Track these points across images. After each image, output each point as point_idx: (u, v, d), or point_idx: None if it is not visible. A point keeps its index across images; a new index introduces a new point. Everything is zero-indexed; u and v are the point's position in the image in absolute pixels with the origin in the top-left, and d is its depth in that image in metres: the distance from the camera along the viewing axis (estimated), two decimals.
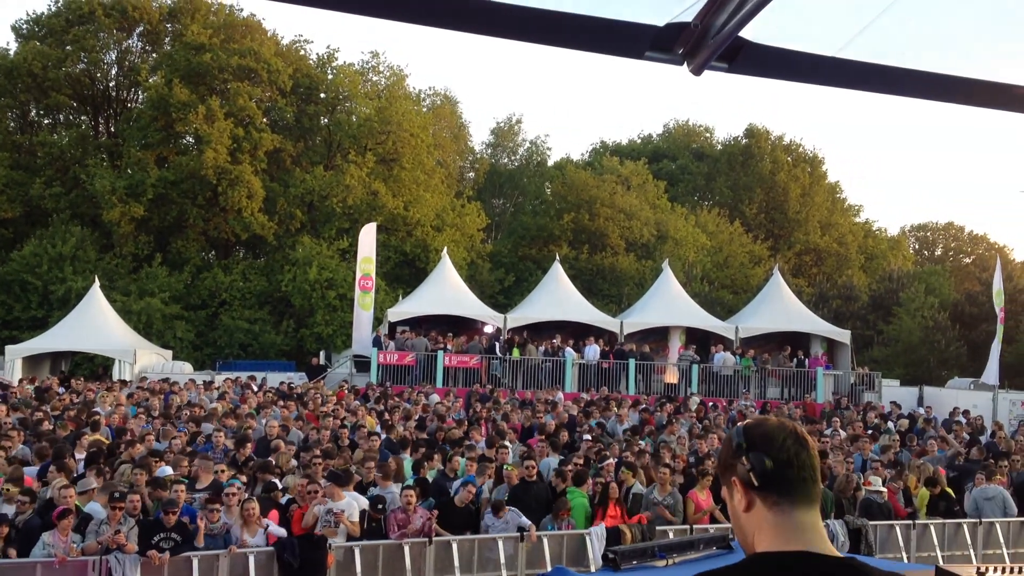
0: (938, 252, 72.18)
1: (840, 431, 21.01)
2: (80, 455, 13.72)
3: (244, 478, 12.40)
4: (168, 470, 12.48)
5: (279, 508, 11.58)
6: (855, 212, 63.86)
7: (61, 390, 22.97)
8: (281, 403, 21.02)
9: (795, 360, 30.45)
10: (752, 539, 2.09)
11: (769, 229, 57.35)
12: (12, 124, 44.72)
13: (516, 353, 29.22)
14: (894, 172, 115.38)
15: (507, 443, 16.34)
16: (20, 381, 25.50)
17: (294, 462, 13.92)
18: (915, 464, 16.44)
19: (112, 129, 46.23)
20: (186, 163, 40.40)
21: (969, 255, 68.52)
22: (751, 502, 2.08)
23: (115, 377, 28.60)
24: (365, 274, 32.42)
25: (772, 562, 2.00)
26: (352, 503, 11.37)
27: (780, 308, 33.29)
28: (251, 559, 10.58)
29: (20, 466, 12.36)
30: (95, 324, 30.38)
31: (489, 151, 61.02)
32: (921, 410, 27.27)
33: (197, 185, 40.58)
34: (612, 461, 14.93)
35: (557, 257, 36.57)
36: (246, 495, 11.34)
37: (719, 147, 63.37)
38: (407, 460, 14.77)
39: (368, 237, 32.88)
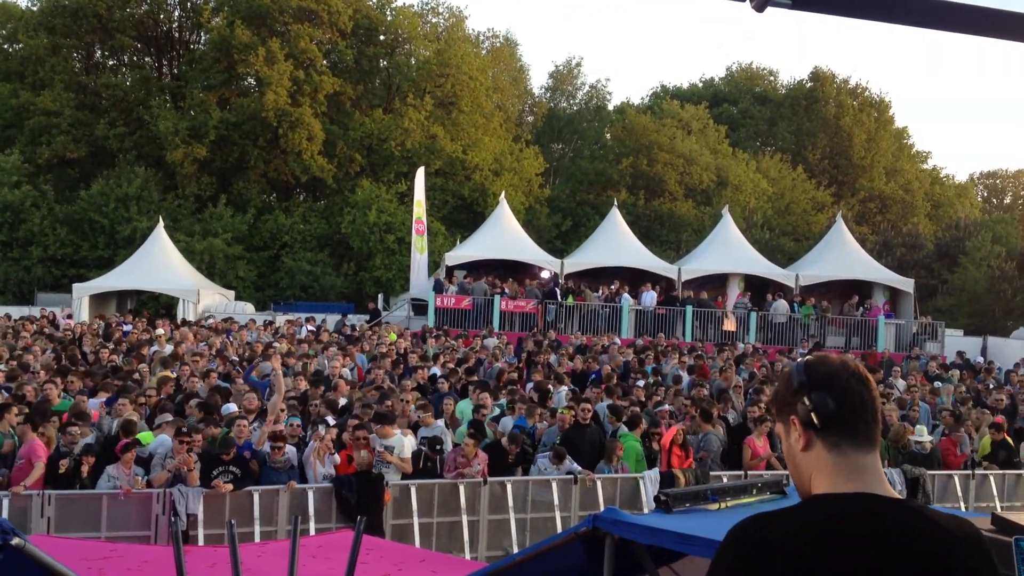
0: (1007, 200, 70.41)
1: (899, 380, 20.77)
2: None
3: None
4: (232, 407, 12.76)
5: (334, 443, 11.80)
6: (923, 159, 62.40)
7: (128, 327, 23.49)
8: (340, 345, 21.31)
9: (860, 309, 30.07)
10: (809, 480, 2.07)
11: (832, 175, 56.30)
12: (78, 65, 45.32)
13: (571, 299, 29.21)
14: (964, 118, 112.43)
15: (562, 387, 16.48)
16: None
17: (343, 400, 14.18)
18: (976, 412, 16.22)
19: (175, 71, 46.65)
20: (247, 105, 40.74)
21: None
22: (810, 442, 2.05)
23: (179, 316, 29.19)
24: (418, 218, 32.60)
25: (831, 503, 1.99)
26: (402, 440, 11.55)
27: (842, 256, 32.78)
28: (311, 495, 10.82)
29: (84, 400, 12.71)
30: (159, 264, 30.97)
31: (548, 95, 60.50)
32: (982, 360, 26.81)
33: (258, 127, 40.93)
34: (667, 407, 14.94)
35: (615, 202, 36.31)
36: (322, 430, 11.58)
37: (782, 91, 62.05)
38: (466, 404, 14.80)
39: (419, 181, 33.03)
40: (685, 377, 19.43)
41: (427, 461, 11.79)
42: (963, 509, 12.92)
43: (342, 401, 14.09)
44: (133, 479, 10.16)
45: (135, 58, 47.33)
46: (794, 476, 2.14)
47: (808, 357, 2.14)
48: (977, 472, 13.90)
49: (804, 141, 56.42)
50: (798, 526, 1.95)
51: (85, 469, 10.22)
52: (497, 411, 14.26)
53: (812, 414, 2.03)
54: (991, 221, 48.97)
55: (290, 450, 11.15)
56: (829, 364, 2.08)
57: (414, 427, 12.80)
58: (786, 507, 2.06)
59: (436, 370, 17.82)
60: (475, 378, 17.34)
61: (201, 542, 9.86)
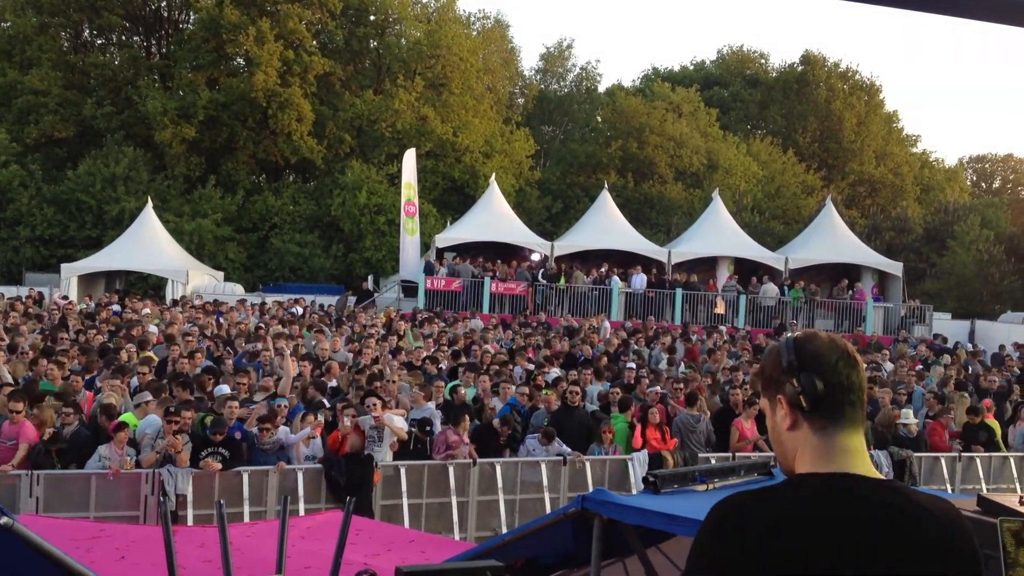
0: (996, 184, 70.56)
1: (887, 364, 20.86)
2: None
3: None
4: (225, 388, 12.74)
5: (326, 426, 11.81)
6: (912, 142, 62.44)
7: (117, 308, 23.43)
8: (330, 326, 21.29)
9: (851, 292, 30.18)
10: (793, 458, 2.08)
11: (823, 159, 56.30)
12: (66, 44, 44.94)
13: (562, 281, 29.23)
14: (953, 102, 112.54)
15: (553, 369, 16.52)
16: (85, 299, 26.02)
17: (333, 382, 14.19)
18: (957, 395, 16.31)
19: (164, 50, 46.29)
20: (236, 85, 40.48)
21: None
22: (796, 422, 2.05)
23: (168, 297, 29.11)
24: (408, 199, 32.53)
25: (815, 483, 2.00)
26: (392, 417, 11.57)
27: (831, 239, 32.87)
28: (300, 475, 10.85)
29: (76, 379, 12.70)
30: (148, 244, 30.85)
31: (539, 77, 60.29)
32: (969, 344, 26.94)
33: (247, 107, 40.69)
34: (657, 389, 14.99)
35: (605, 185, 36.31)
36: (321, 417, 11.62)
37: (773, 74, 61.95)
38: (471, 390, 14.72)
39: (409, 163, 32.92)
40: (665, 358, 19.49)
41: (417, 443, 11.82)
42: (949, 491, 13.02)
43: (332, 383, 14.10)
44: (123, 460, 10.16)
45: (123, 37, 46.92)
46: (778, 453, 2.15)
47: (797, 335, 2.13)
48: (963, 455, 13.99)
49: (794, 124, 56.40)
50: (781, 505, 1.95)
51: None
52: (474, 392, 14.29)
53: (800, 396, 2.03)
54: (980, 205, 49.09)
55: (282, 430, 11.17)
56: (817, 344, 2.07)
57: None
58: (769, 486, 2.07)
59: (424, 352, 17.81)
60: (463, 360, 17.35)
61: (190, 522, 9.88)
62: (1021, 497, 4.11)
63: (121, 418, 10.84)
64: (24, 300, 23.99)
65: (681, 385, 15.00)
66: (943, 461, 13.83)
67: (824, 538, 1.88)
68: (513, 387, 14.19)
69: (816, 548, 1.86)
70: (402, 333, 20.80)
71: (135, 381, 13.03)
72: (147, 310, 21.74)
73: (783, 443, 2.11)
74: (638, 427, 12.91)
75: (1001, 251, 39.17)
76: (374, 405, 11.32)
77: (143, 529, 8.29)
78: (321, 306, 27.57)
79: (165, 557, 3.16)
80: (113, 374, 12.71)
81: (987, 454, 14.15)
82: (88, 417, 11.59)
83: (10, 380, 12.55)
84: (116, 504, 10.17)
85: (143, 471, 10.16)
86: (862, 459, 2.03)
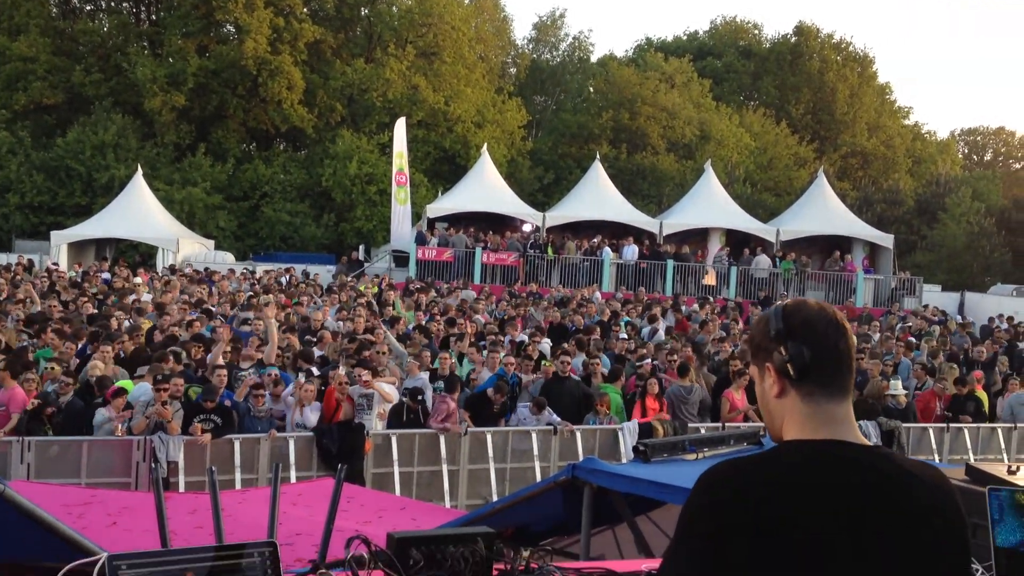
0: (987, 157, 70.56)
1: (876, 335, 20.95)
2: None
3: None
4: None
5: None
6: (904, 114, 62.33)
7: (107, 276, 23.35)
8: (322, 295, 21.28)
9: (840, 264, 30.26)
10: (780, 425, 2.08)
11: (815, 131, 56.17)
12: (54, 10, 44.50)
13: (550, 251, 29.22)
14: (946, 74, 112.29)
15: (544, 340, 16.54)
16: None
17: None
18: (947, 366, 16.39)
19: (153, 17, 45.86)
20: (226, 52, 40.14)
21: (1019, 160, 66.90)
22: (784, 390, 2.06)
23: (159, 265, 29.02)
24: (399, 169, 32.41)
25: (801, 450, 2.00)
26: (382, 384, 11.58)
27: (823, 211, 32.91)
28: (291, 443, 10.87)
29: (69, 346, 12.69)
30: (138, 212, 30.72)
31: (531, 46, 59.91)
32: (959, 317, 27.06)
33: (237, 75, 40.39)
34: (649, 361, 15.02)
35: (597, 156, 36.21)
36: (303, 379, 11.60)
37: (767, 45, 61.67)
38: (468, 365, 14.72)
39: (400, 132, 32.77)
40: (646, 327, 19.54)
41: (409, 412, 11.84)
42: (937, 461, 13.12)
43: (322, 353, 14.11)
44: (118, 423, 10.20)
45: (112, 3, 46.42)
46: (767, 421, 2.15)
47: (786, 303, 2.13)
48: (951, 425, 14.09)
49: (787, 96, 56.21)
50: (769, 471, 1.96)
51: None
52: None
53: (788, 364, 2.03)
54: (971, 178, 49.12)
55: (271, 398, 11.19)
56: (806, 311, 2.07)
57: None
58: (758, 453, 2.08)
59: (414, 322, 17.81)
60: (456, 330, 17.35)
61: (182, 489, 9.90)
62: (1009, 467, 4.15)
63: (118, 384, 10.88)
64: (14, 267, 23.90)
65: (674, 356, 15.03)
66: (931, 432, 13.93)
67: (814, 503, 1.88)
68: (500, 355, 14.17)
69: (806, 513, 1.87)
70: (390, 303, 20.78)
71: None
72: (139, 279, 21.67)
73: (771, 411, 2.11)
74: (638, 401, 12.97)
75: (992, 224, 39.26)
76: (359, 376, 11.32)
77: (135, 495, 8.32)
78: (306, 273, 27.48)
79: (157, 523, 3.16)
80: (102, 342, 12.70)
81: (975, 425, 14.24)
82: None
83: None
84: (108, 471, 10.20)
85: (134, 438, 10.18)
86: (850, 427, 2.04)
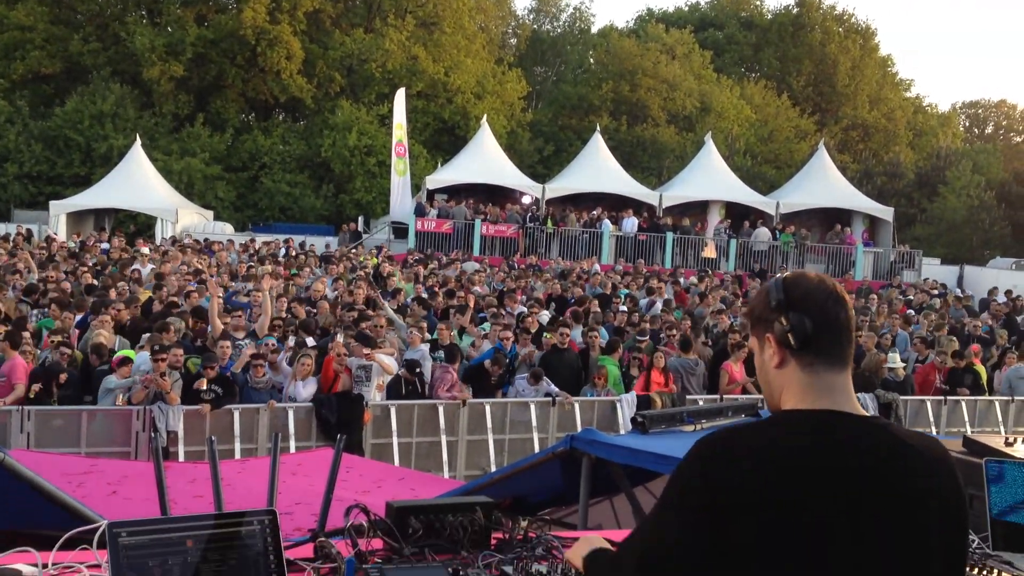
0: (988, 130, 70.34)
1: (873, 308, 20.96)
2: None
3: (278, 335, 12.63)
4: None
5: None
6: (906, 87, 62.05)
7: (106, 246, 23.33)
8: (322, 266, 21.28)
9: (839, 237, 30.27)
10: (779, 396, 2.09)
11: (816, 103, 55.92)
12: None
13: (549, 224, 29.18)
14: (947, 47, 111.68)
15: (543, 311, 16.54)
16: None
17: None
18: (947, 339, 16.42)
19: None
20: (225, 22, 39.91)
21: (1020, 134, 66.67)
22: (784, 360, 2.06)
23: (157, 236, 28.98)
24: (399, 140, 32.30)
25: (798, 419, 2.01)
26: (382, 356, 11.57)
27: (823, 184, 32.83)
28: (290, 414, 10.90)
29: (67, 316, 12.70)
30: (137, 183, 30.63)
31: (532, 16, 59.56)
32: (958, 290, 27.07)
33: (236, 45, 40.14)
34: (647, 338, 14.99)
35: (597, 128, 36.09)
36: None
37: (769, 16, 61.25)
38: (467, 338, 14.69)
39: (400, 102, 32.63)
40: (644, 299, 19.54)
41: (407, 384, 11.86)
42: (935, 433, 13.17)
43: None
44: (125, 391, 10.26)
45: None
46: (765, 391, 2.16)
47: (787, 274, 2.13)
48: (949, 398, 14.13)
49: (789, 68, 55.92)
50: (764, 439, 1.96)
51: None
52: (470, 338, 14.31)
53: (788, 334, 2.03)
54: (972, 151, 48.96)
55: (270, 370, 11.21)
56: (807, 283, 2.07)
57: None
58: (753, 421, 2.08)
59: (413, 294, 17.78)
60: (455, 302, 17.33)
61: (181, 459, 9.93)
62: (1007, 438, 4.16)
63: (121, 353, 10.91)
64: (13, 238, 23.87)
65: (673, 331, 15.03)
66: (929, 404, 13.97)
67: (808, 471, 1.89)
68: (500, 328, 14.18)
69: (800, 481, 1.87)
70: (386, 274, 20.74)
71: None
72: (145, 249, 21.67)
73: (770, 381, 2.12)
74: (643, 373, 13.00)
75: (992, 197, 39.21)
76: (360, 350, 11.32)
77: (135, 465, 8.34)
78: (301, 244, 27.47)
79: (156, 492, 3.18)
80: (94, 309, 12.73)
81: (972, 398, 14.28)
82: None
83: None
84: (107, 440, 10.23)
85: (134, 407, 10.20)
86: (849, 397, 2.04)
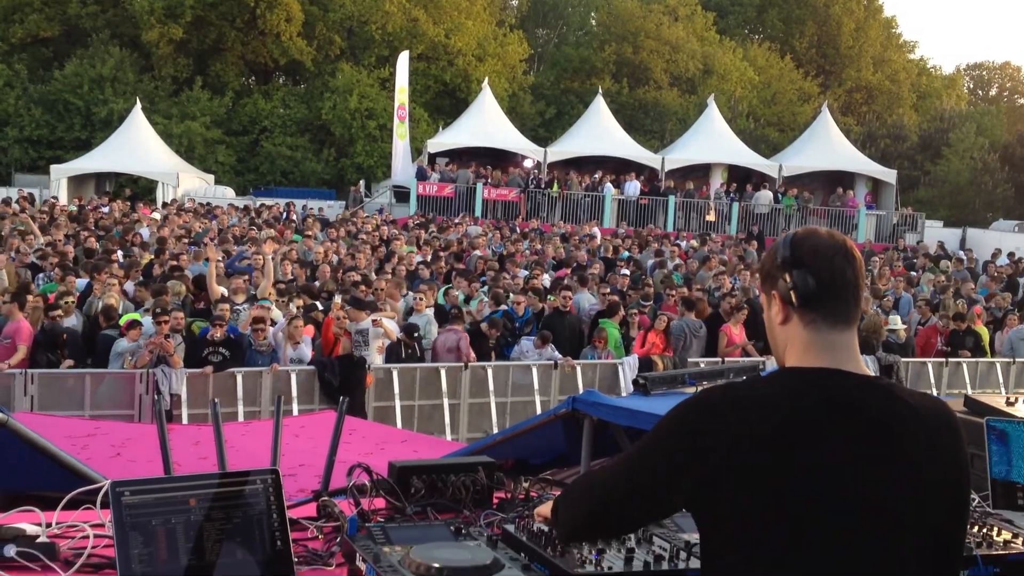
0: (992, 92, 69.93)
1: (877, 271, 20.93)
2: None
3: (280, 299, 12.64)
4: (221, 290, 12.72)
5: (317, 327, 11.85)
6: (910, 48, 61.61)
7: (106, 209, 23.31)
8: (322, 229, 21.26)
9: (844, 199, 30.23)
10: (784, 353, 2.09)
11: (820, 65, 55.54)
12: None
13: (555, 188, 29.09)
14: (952, 8, 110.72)
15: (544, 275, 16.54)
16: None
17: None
18: (945, 301, 16.41)
19: None
20: None
21: None
22: (788, 316, 2.05)
23: (158, 200, 28.94)
24: (401, 103, 32.16)
25: (798, 376, 2.00)
26: (385, 323, 11.59)
27: (826, 147, 32.68)
28: (293, 376, 10.93)
29: (73, 279, 12.74)
30: (137, 146, 30.57)
31: None
32: (961, 252, 27.03)
33: (235, 7, 39.81)
34: (651, 303, 14.98)
35: (599, 90, 35.88)
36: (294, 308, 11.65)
37: None
38: (473, 301, 14.69)
39: (403, 65, 32.44)
40: (651, 260, 19.53)
41: (407, 348, 11.88)
42: (936, 395, 13.20)
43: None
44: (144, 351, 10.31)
45: None
46: (773, 348, 2.15)
47: (797, 230, 2.12)
48: (950, 360, 14.15)
49: (792, 29, 55.47)
50: (761, 394, 1.96)
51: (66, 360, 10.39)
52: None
53: (792, 292, 2.02)
54: (976, 113, 48.68)
55: (271, 332, 11.22)
56: (815, 239, 2.05)
57: (408, 312, 12.89)
58: (752, 377, 2.08)
59: (419, 257, 17.78)
60: (462, 266, 17.33)
61: (185, 422, 9.98)
62: (1008, 398, 4.17)
63: (129, 316, 10.94)
64: (17, 202, 23.85)
65: (673, 292, 15.03)
66: (930, 366, 13.99)
67: (806, 428, 1.89)
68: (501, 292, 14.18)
69: (798, 437, 1.87)
70: (386, 238, 20.73)
71: (130, 285, 13.02)
72: (156, 214, 21.66)
73: (776, 338, 2.11)
74: (640, 333, 13.03)
75: (995, 159, 39.05)
76: (351, 312, 11.34)
77: (138, 427, 8.36)
78: (304, 207, 27.45)
79: (160, 454, 3.19)
80: (88, 268, 12.76)
81: (973, 359, 14.30)
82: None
83: (6, 284, 12.55)
84: (111, 403, 10.28)
85: (137, 371, 10.23)
86: (851, 356, 2.03)
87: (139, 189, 33.45)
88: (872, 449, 1.90)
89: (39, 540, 2.35)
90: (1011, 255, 24.91)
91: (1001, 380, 14.17)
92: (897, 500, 1.90)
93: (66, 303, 11.20)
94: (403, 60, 32.79)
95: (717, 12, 55.11)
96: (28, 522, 2.45)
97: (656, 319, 13.12)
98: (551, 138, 38.23)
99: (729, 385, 2.02)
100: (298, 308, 12.15)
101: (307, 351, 11.20)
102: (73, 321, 11.06)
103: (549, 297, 13.84)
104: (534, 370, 12.15)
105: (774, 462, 1.86)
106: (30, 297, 11.09)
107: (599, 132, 32.29)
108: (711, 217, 29.43)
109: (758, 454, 1.86)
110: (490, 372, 11.99)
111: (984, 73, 71.06)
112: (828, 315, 2.01)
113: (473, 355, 11.96)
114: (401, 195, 30.47)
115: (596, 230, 25.04)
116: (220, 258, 13.95)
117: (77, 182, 30.27)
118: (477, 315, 13.24)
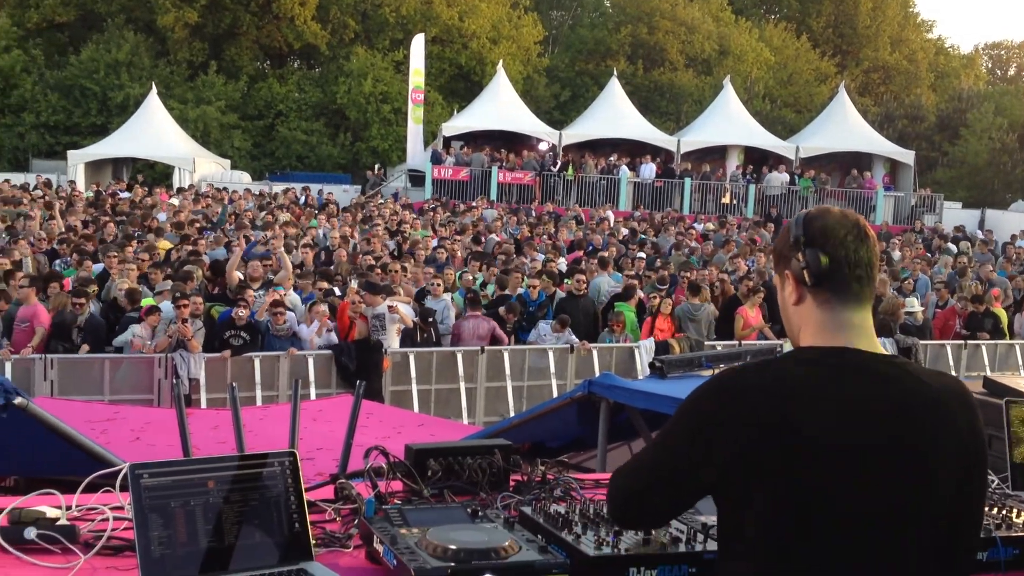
0: (1011, 72, 69.28)
1: (896, 252, 20.84)
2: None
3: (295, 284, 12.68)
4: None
5: (332, 311, 11.87)
6: (928, 28, 61.00)
7: (124, 194, 23.42)
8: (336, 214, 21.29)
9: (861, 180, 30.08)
10: (798, 333, 2.08)
11: (837, 45, 55.06)
12: None
13: (571, 171, 29.02)
14: None
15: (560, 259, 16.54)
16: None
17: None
18: (964, 283, 16.32)
19: None
20: None
21: None
22: (801, 296, 2.04)
23: (175, 185, 29.04)
24: (416, 87, 32.10)
25: (812, 355, 1.99)
26: (400, 305, 11.60)
27: (843, 128, 32.45)
28: (311, 361, 10.97)
29: (87, 264, 12.80)
30: (154, 131, 30.65)
31: None
32: (980, 233, 26.85)
33: None
34: (665, 287, 14.94)
35: (615, 72, 35.73)
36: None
37: None
38: (490, 286, 14.70)
39: (418, 49, 32.38)
40: (670, 241, 19.47)
41: (422, 333, 11.90)
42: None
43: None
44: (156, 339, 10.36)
45: None
46: (788, 329, 2.15)
47: (810, 210, 2.11)
48: (969, 342, 14.07)
49: (809, 9, 54.98)
50: (776, 374, 1.96)
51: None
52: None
53: (804, 271, 2.01)
54: (994, 93, 48.22)
55: (290, 317, 11.26)
56: (828, 218, 2.04)
57: (420, 295, 12.89)
58: (768, 358, 2.07)
59: (434, 241, 17.80)
60: (479, 249, 17.34)
61: (203, 406, 10.04)
62: None
63: (148, 301, 10.99)
64: (35, 187, 24.00)
65: (687, 275, 14.99)
66: (948, 348, 13.92)
67: (821, 406, 1.88)
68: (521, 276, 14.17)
69: (813, 416, 1.86)
70: (401, 221, 20.75)
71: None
72: (175, 200, 21.74)
73: (790, 319, 2.11)
74: (648, 319, 13.00)
75: (1014, 140, 38.71)
76: (366, 297, 11.35)
77: (157, 411, 8.43)
78: (320, 191, 27.50)
79: (179, 438, 3.21)
80: (105, 252, 12.83)
81: (992, 341, 14.22)
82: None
83: (31, 270, 12.62)
84: (130, 387, 10.35)
85: (156, 355, 10.29)
86: (866, 335, 2.02)
87: (156, 174, 33.55)
88: (883, 433, 1.89)
89: (59, 523, 2.37)
90: None
91: (1020, 362, 14.10)
92: (905, 488, 1.89)
93: (91, 290, 11.25)
94: (418, 43, 32.72)
95: None
96: (48, 505, 2.47)
97: (661, 304, 13.08)
98: (566, 121, 38.10)
99: (740, 369, 2.02)
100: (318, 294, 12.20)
101: (334, 337, 11.24)
102: (91, 307, 11.11)
103: (565, 281, 13.83)
104: (550, 354, 12.16)
105: (781, 452, 1.85)
106: (54, 284, 11.15)
107: (614, 114, 32.16)
108: (727, 199, 29.32)
109: (766, 443, 1.86)
110: (506, 356, 12.01)
111: (1003, 52, 70.39)
112: (841, 294, 2.00)
113: (506, 338, 12.03)
114: (416, 179, 30.47)
115: (610, 213, 25.00)
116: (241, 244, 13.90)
117: (94, 168, 30.40)
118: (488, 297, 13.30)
